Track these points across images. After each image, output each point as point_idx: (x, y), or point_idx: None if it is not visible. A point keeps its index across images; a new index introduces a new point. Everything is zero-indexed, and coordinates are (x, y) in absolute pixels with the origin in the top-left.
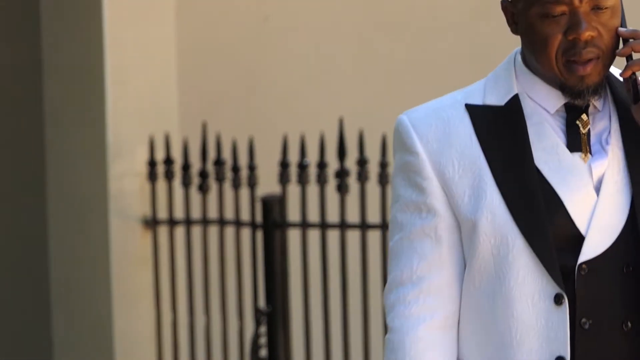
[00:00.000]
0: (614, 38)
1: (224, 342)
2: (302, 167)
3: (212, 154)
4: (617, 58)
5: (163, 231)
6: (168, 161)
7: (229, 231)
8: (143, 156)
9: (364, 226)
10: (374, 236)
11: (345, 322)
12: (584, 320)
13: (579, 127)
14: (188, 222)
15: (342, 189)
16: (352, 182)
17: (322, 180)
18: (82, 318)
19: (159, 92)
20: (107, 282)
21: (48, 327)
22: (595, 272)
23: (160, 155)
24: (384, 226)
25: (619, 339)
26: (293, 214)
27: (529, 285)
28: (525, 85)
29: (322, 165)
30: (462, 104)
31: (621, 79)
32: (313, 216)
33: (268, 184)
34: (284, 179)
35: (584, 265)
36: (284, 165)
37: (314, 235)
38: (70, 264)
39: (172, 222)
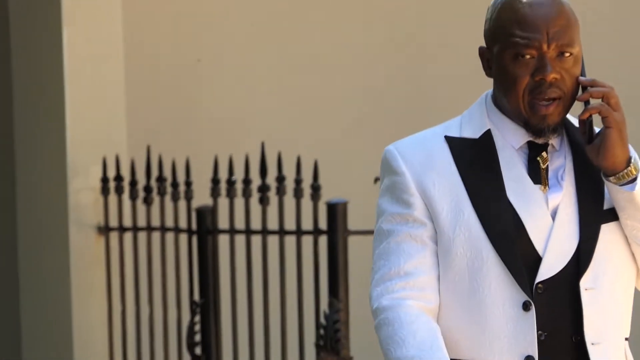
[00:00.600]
0: (574, 84)
1: (165, 329)
2: (230, 183)
3: (155, 172)
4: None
5: (114, 237)
6: (118, 178)
7: (169, 236)
8: (97, 174)
9: (282, 232)
10: (290, 240)
11: (266, 312)
12: (539, 332)
13: (539, 163)
14: (135, 229)
15: (263, 201)
16: (272, 195)
17: (247, 194)
18: (46, 310)
19: (110, 120)
20: (67, 280)
21: (17, 317)
22: (550, 290)
23: (111, 173)
24: (299, 232)
25: (569, 350)
26: (222, 222)
27: (500, 294)
28: (495, 122)
29: (247, 182)
30: (441, 135)
31: (577, 124)
32: (239, 224)
33: (202, 197)
34: (215, 192)
35: (540, 285)
36: (215, 181)
37: (240, 239)
38: (36, 265)
39: (121, 229)
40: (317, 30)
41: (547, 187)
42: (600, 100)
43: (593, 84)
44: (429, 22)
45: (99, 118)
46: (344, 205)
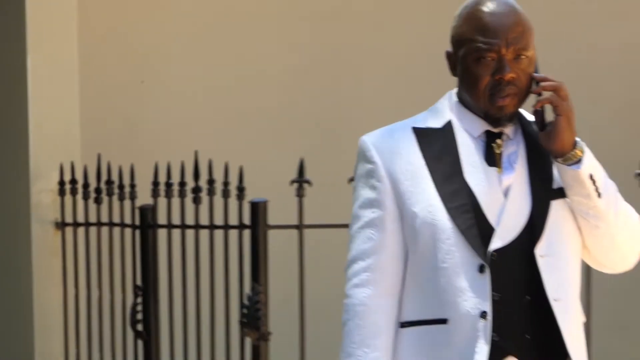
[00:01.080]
0: (528, 81)
1: (112, 310)
2: (168, 185)
3: (104, 176)
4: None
5: (69, 231)
6: (73, 181)
7: (116, 231)
8: (55, 178)
9: (212, 227)
10: (219, 234)
11: (198, 294)
12: (494, 293)
13: (494, 149)
14: (87, 224)
15: (196, 200)
16: (204, 195)
17: (182, 194)
18: (12, 294)
19: (67, 132)
20: (30, 268)
21: None
22: (502, 257)
23: (67, 177)
24: (226, 227)
25: (520, 308)
26: (161, 218)
27: (459, 259)
28: (458, 115)
29: (182, 184)
30: (409, 127)
31: (530, 118)
32: (175, 220)
33: (144, 198)
34: (155, 193)
35: (494, 253)
36: (155, 184)
37: (176, 233)
38: (3, 256)
39: (75, 225)
40: (242, 55)
41: (501, 169)
42: (551, 93)
43: (545, 79)
44: (342, 44)
45: (57, 130)
46: (265, 203)
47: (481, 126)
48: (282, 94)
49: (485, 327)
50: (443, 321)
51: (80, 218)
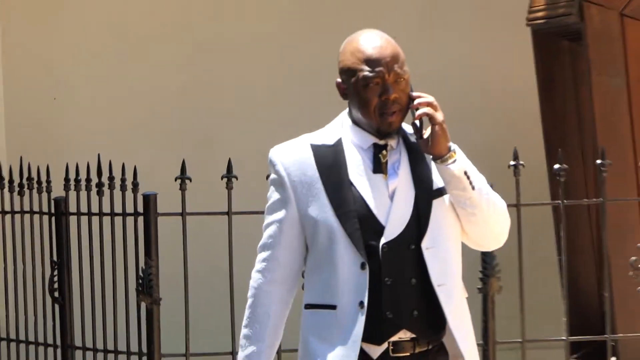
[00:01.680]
0: (407, 98)
1: (34, 281)
2: (77, 181)
3: (25, 174)
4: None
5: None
6: (0, 177)
7: (36, 217)
8: None
9: (112, 214)
10: (119, 220)
11: (102, 268)
12: (386, 279)
13: (380, 158)
14: (12, 212)
15: (99, 193)
16: (105, 189)
17: (88, 188)
18: None
19: None
20: None
21: None
22: (391, 249)
23: None
24: (124, 214)
25: (408, 290)
26: (72, 207)
27: (346, 258)
28: (350, 132)
29: (88, 180)
30: (308, 143)
31: (409, 131)
32: (83, 209)
33: (58, 191)
34: (66, 187)
35: (385, 245)
36: (67, 180)
37: (84, 219)
38: None
39: (3, 213)
40: (137, 73)
41: (387, 175)
42: (426, 107)
43: (419, 96)
44: (219, 68)
45: None
46: (155, 196)
47: (369, 140)
48: (170, 107)
49: (362, 313)
50: (333, 307)
51: (7, 207)
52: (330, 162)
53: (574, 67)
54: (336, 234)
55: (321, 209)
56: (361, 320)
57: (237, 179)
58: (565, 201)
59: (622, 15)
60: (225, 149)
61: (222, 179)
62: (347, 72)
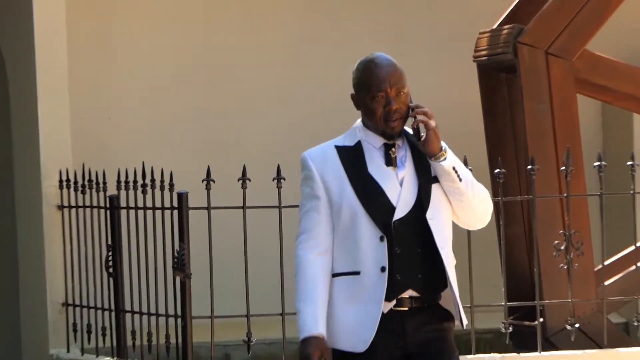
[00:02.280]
0: (407, 108)
1: (93, 260)
2: (127, 182)
3: (87, 177)
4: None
5: (66, 211)
6: (67, 180)
7: (95, 211)
8: (57, 178)
9: (154, 208)
10: (159, 213)
11: (147, 249)
12: (397, 249)
13: (390, 155)
14: (77, 207)
15: (144, 192)
16: (148, 188)
17: (135, 187)
18: (31, 248)
19: (63, 150)
20: (42, 234)
21: (16, 259)
22: (401, 224)
23: (64, 177)
24: (163, 208)
25: (415, 258)
26: (123, 203)
27: (367, 233)
28: (364, 135)
29: (135, 182)
30: (333, 145)
31: (411, 131)
32: (131, 203)
33: (112, 190)
34: (119, 187)
35: (396, 222)
36: (119, 181)
37: (132, 212)
38: (26, 226)
39: (69, 207)
40: (172, 99)
41: (396, 168)
42: (422, 115)
43: (417, 106)
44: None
45: (57, 149)
46: (186, 194)
47: (380, 141)
48: (198, 124)
49: (384, 276)
50: (357, 273)
51: (73, 203)
52: (352, 159)
53: (510, 95)
54: (358, 214)
55: (346, 195)
56: (383, 282)
57: (250, 180)
58: (503, 198)
59: (547, 53)
60: (239, 158)
61: (238, 180)
62: (359, 87)
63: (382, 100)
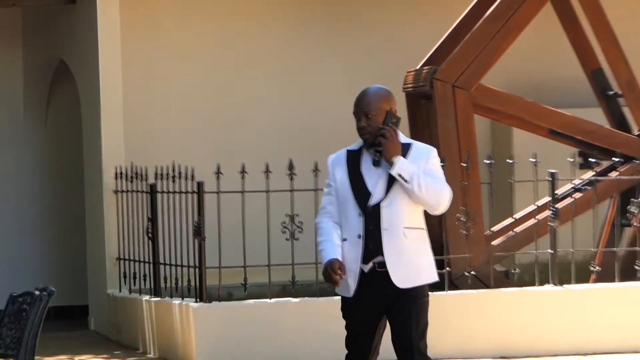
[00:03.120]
0: (376, 127)
1: (137, 228)
2: (162, 174)
3: (134, 170)
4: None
5: (120, 194)
6: (121, 174)
7: (140, 194)
8: (113, 171)
9: (180, 192)
10: (184, 196)
11: (175, 219)
12: (370, 226)
13: (375, 158)
14: (127, 191)
15: (174, 181)
16: (177, 178)
17: (168, 178)
18: (95, 222)
19: (117, 151)
20: (102, 211)
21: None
22: (374, 209)
23: (119, 172)
24: (186, 192)
25: (381, 233)
26: (159, 188)
27: (352, 211)
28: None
29: (167, 174)
30: (346, 150)
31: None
32: (165, 189)
33: (152, 179)
34: (156, 177)
35: (369, 206)
36: (156, 173)
37: (166, 195)
38: (93, 205)
39: (122, 192)
40: (193, 111)
41: (379, 167)
42: (381, 137)
43: (382, 129)
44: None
45: (113, 150)
46: (203, 182)
47: (369, 149)
48: (216, 130)
49: (360, 242)
50: (345, 239)
51: (124, 189)
52: (353, 159)
53: (428, 115)
54: (348, 197)
55: (343, 184)
56: (359, 247)
57: (247, 173)
58: None
59: (454, 86)
60: (243, 158)
61: (239, 173)
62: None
63: (358, 120)
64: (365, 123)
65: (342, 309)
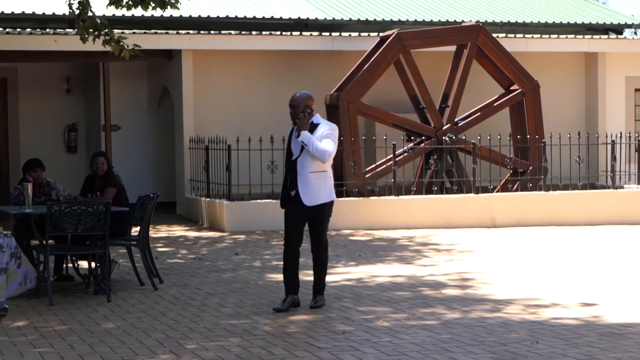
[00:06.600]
0: (298, 114)
1: (201, 169)
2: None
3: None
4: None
5: (192, 151)
6: (191, 141)
7: (201, 151)
8: (188, 139)
9: (222, 149)
10: (224, 152)
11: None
12: (295, 172)
13: (296, 132)
14: (197, 148)
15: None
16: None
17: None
18: (178, 172)
19: (190, 124)
20: (183, 164)
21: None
22: (294, 162)
23: (192, 138)
24: (227, 149)
25: (297, 175)
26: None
27: (287, 162)
28: None
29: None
30: (291, 128)
31: (316, 121)
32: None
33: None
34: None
35: (292, 160)
36: (210, 140)
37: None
38: (179, 158)
39: (191, 149)
40: (229, 111)
41: (298, 138)
42: (298, 119)
43: (299, 116)
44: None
45: (188, 122)
46: (230, 145)
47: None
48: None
49: (289, 179)
50: (285, 177)
51: (194, 147)
52: (291, 134)
53: (336, 116)
54: (288, 154)
55: (287, 148)
56: (288, 179)
57: (261, 140)
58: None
59: (348, 102)
60: (258, 132)
61: (259, 141)
62: None
63: (291, 110)
64: (293, 112)
65: (284, 216)
